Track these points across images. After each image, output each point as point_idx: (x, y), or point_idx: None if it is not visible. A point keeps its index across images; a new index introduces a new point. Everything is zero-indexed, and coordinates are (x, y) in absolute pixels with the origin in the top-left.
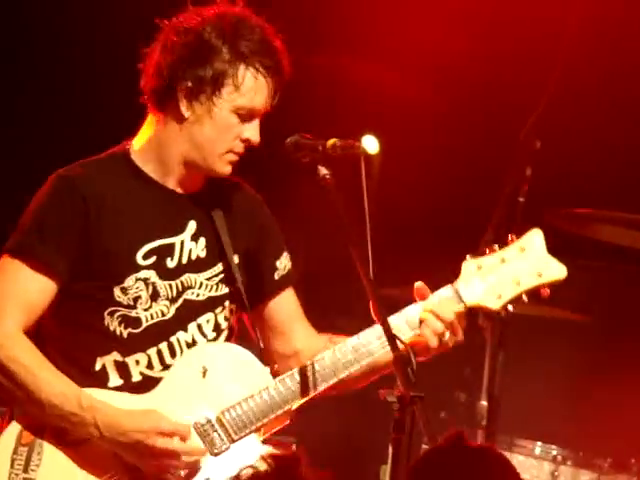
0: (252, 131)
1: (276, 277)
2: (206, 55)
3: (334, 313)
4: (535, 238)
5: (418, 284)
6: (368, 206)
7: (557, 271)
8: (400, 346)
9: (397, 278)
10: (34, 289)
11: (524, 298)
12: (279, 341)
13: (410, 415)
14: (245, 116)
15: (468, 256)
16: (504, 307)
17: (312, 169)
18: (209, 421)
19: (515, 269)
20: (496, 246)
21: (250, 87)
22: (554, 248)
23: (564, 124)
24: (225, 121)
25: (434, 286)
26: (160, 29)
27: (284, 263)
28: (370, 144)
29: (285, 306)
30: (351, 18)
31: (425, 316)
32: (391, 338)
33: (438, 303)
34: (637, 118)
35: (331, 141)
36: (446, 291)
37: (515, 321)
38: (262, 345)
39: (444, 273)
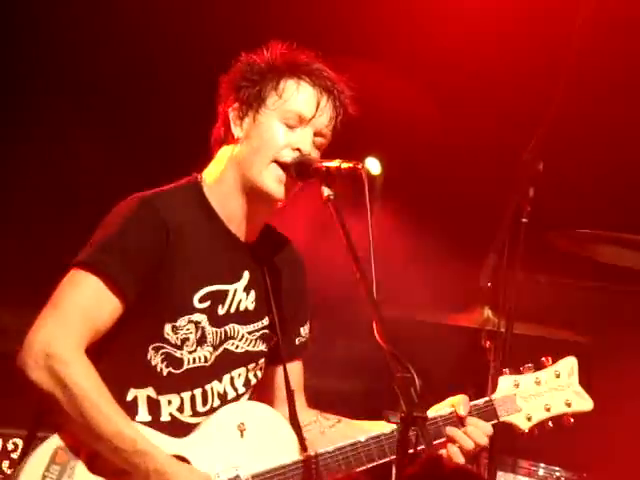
0: (299, 138)
1: (297, 342)
2: (252, 77)
3: (335, 335)
4: (570, 367)
5: (459, 399)
6: (371, 227)
7: (585, 404)
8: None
9: (399, 301)
10: (105, 308)
11: (549, 424)
12: (275, 403)
13: (414, 436)
14: (292, 124)
15: (505, 370)
16: (530, 429)
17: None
18: None
19: (548, 395)
20: (530, 365)
21: (292, 91)
22: (557, 269)
23: (567, 145)
24: (271, 128)
25: (441, 301)
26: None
27: (306, 331)
28: (373, 166)
29: (293, 374)
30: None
31: (454, 433)
32: (395, 359)
33: (473, 422)
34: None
35: (335, 162)
36: (482, 402)
37: (518, 341)
38: None
39: (447, 294)
